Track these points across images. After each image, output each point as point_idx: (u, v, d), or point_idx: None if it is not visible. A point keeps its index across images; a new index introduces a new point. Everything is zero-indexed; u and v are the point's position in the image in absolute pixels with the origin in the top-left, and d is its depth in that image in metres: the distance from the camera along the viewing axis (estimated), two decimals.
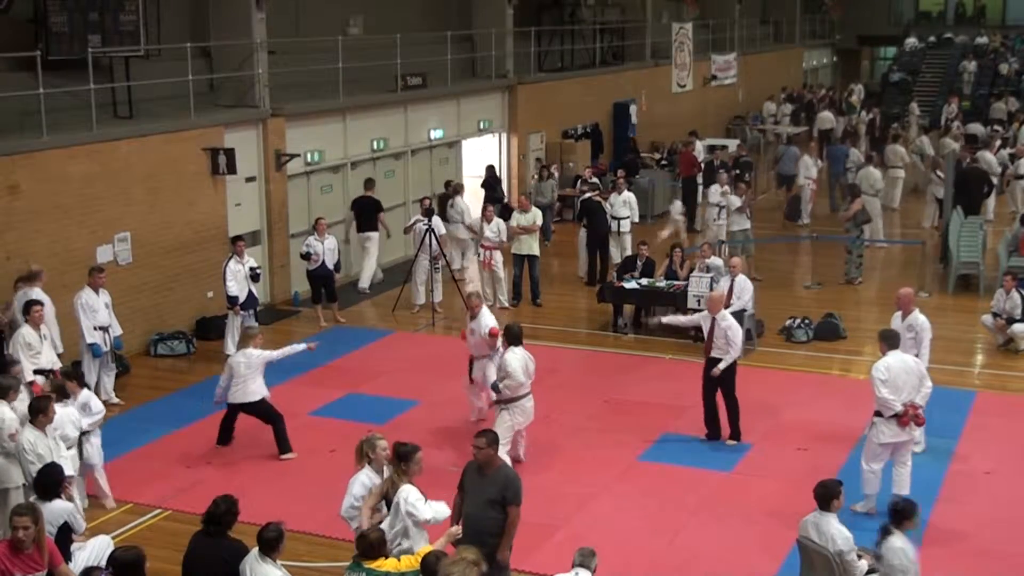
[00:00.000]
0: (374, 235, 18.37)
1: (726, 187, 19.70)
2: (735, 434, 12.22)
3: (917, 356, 10.99)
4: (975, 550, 9.83)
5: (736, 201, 19.56)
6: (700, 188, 23.74)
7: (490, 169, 22.90)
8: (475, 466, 8.24)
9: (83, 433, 10.23)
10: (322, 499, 9.97)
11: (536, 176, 22.91)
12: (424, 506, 7.89)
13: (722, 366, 11.93)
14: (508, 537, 8.10)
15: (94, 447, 10.56)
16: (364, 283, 18.54)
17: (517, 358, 11.05)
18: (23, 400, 10.02)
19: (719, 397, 12.18)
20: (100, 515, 10.47)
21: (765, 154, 31.17)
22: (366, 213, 18.33)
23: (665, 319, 13.79)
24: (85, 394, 10.42)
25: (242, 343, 12.00)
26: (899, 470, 10.39)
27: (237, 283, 14.88)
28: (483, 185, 22.51)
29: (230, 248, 15.48)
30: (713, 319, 12.01)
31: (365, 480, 8.41)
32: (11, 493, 9.54)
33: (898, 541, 7.80)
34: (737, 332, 12.02)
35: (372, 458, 8.45)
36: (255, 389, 11.74)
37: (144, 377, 14.64)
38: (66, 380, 10.39)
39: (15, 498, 9.50)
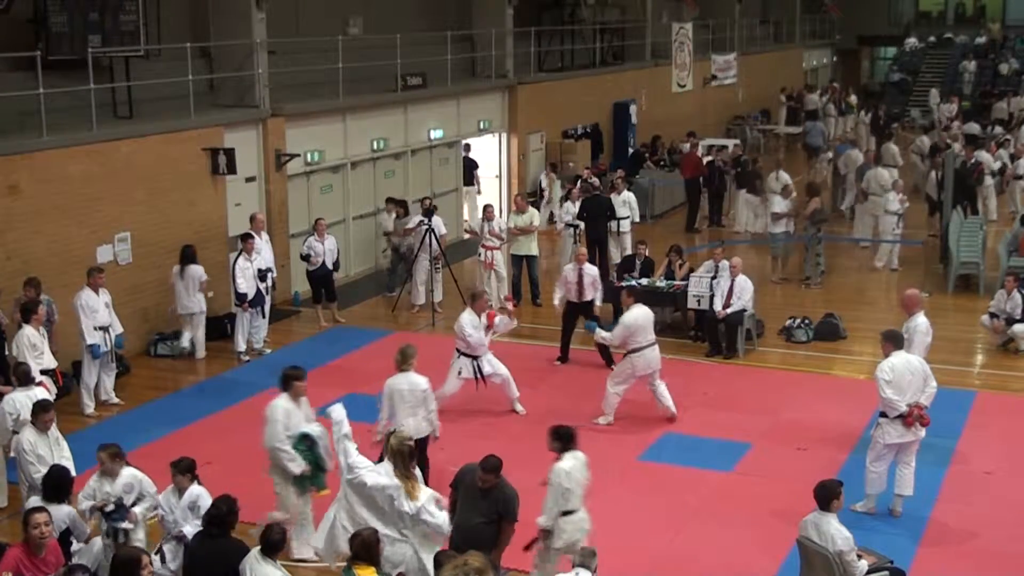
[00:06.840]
0: (471, 189, 22.53)
1: (903, 195, 20.02)
2: (609, 361, 14.23)
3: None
4: (975, 550, 9.82)
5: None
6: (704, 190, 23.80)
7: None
8: (474, 478, 8.27)
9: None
10: (322, 499, 9.95)
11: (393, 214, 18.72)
12: (441, 515, 8.02)
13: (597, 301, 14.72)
14: (501, 548, 8.21)
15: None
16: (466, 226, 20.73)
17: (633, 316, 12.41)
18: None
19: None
20: None
21: (767, 154, 31.13)
22: (466, 171, 22.82)
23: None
24: (195, 490, 8.43)
25: None
26: (903, 471, 10.38)
27: (246, 280, 14.92)
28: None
29: (237, 244, 15.51)
30: (580, 269, 14.63)
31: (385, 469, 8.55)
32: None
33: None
34: (596, 273, 14.81)
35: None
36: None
37: (144, 377, 14.64)
38: (178, 472, 8.49)
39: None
